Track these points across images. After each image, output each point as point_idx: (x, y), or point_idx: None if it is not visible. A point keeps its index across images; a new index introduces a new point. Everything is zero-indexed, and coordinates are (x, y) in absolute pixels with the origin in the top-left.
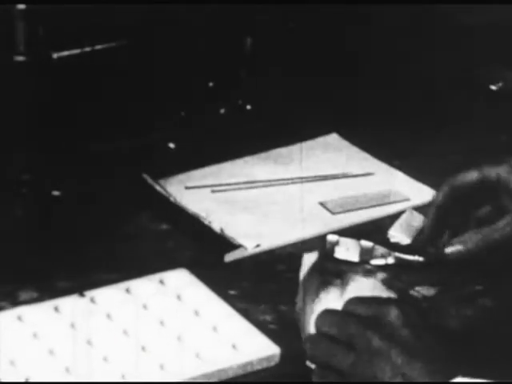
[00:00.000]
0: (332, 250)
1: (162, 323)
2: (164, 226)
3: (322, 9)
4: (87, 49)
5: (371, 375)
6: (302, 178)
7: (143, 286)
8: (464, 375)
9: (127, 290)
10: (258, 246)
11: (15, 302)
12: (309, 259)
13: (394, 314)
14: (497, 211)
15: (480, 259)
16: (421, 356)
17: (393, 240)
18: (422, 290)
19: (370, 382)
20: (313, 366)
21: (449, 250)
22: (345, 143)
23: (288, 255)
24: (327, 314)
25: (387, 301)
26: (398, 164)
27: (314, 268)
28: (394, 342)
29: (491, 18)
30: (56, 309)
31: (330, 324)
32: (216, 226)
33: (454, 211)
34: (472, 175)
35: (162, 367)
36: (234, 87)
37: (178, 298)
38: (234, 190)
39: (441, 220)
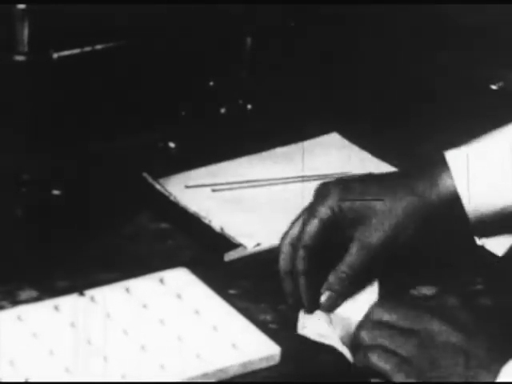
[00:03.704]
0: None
1: (161, 322)
2: (164, 225)
3: (322, 8)
4: (87, 48)
5: (433, 356)
6: (302, 177)
7: (143, 286)
8: None
9: (127, 290)
10: (258, 245)
11: (15, 302)
12: None
13: (452, 299)
14: (344, 240)
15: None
16: (480, 334)
17: None
18: (423, 290)
19: (431, 364)
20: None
21: (322, 299)
22: (345, 142)
23: None
24: (383, 301)
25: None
26: (397, 163)
27: None
28: (453, 323)
29: (491, 18)
30: (56, 308)
31: (387, 310)
32: (216, 225)
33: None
34: (311, 227)
35: (162, 367)
36: (235, 87)
37: (178, 297)
38: (235, 189)
39: (310, 281)
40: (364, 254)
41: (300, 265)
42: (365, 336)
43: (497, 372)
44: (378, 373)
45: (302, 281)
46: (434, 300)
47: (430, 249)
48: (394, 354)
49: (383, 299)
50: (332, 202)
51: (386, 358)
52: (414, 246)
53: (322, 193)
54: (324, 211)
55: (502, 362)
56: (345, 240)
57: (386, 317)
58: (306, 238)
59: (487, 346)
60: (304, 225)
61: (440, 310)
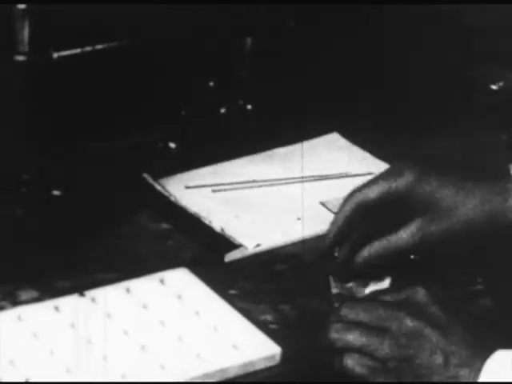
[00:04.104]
0: (332, 250)
1: (162, 323)
2: (164, 226)
3: (322, 8)
4: (88, 48)
5: (409, 356)
6: (302, 177)
7: (143, 286)
8: (505, 347)
9: (127, 290)
10: (258, 245)
11: (15, 302)
12: None
13: (421, 293)
14: (402, 220)
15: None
16: (455, 330)
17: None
18: None
19: (408, 364)
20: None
21: (357, 257)
22: (345, 143)
23: (288, 255)
24: (354, 302)
25: (412, 284)
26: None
27: None
28: (426, 320)
29: (491, 18)
30: (56, 308)
31: (358, 311)
32: (216, 226)
33: (360, 223)
34: (376, 189)
35: (162, 367)
36: (235, 87)
37: (179, 297)
38: (235, 189)
39: (344, 232)
40: (417, 239)
41: (347, 216)
42: (339, 340)
43: (479, 369)
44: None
45: (337, 231)
46: (403, 296)
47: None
48: (370, 356)
49: (354, 300)
50: (406, 181)
51: (362, 362)
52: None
53: (398, 169)
54: (395, 185)
55: (484, 357)
56: (399, 221)
57: (359, 317)
58: (367, 196)
59: (466, 341)
60: (369, 185)
61: (410, 307)
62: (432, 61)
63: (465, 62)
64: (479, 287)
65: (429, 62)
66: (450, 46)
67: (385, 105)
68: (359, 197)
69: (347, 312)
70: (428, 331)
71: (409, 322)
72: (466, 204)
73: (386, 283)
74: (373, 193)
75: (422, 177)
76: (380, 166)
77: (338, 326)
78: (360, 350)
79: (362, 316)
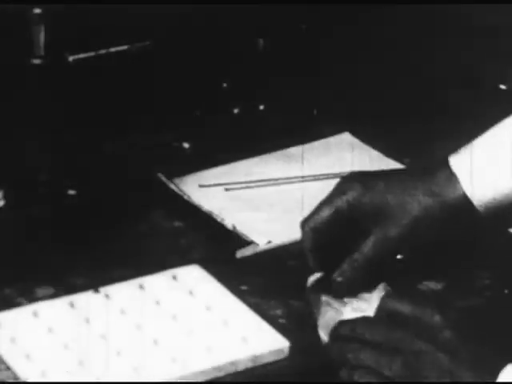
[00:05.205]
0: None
1: (174, 318)
2: (177, 224)
3: (333, 9)
4: (102, 51)
5: (417, 376)
6: (314, 176)
7: (156, 282)
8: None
9: (141, 286)
10: (269, 242)
11: (32, 299)
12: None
13: (435, 317)
14: (362, 233)
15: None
16: (465, 356)
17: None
18: (430, 285)
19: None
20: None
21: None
22: (357, 142)
23: (299, 251)
24: (368, 321)
25: (425, 303)
26: (409, 162)
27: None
28: (437, 344)
29: (501, 17)
30: (71, 305)
31: (371, 330)
32: (229, 223)
33: (327, 247)
34: (324, 212)
35: (174, 360)
36: (248, 87)
37: (191, 293)
38: (247, 188)
39: (318, 260)
40: (380, 246)
41: (306, 243)
42: (352, 359)
43: None
44: None
45: (309, 258)
46: (417, 316)
47: (452, 247)
48: (378, 374)
49: (365, 317)
50: (351, 196)
51: (369, 379)
52: (432, 244)
53: (342, 187)
54: (340, 203)
55: (489, 380)
56: (361, 234)
57: (370, 337)
58: (317, 220)
59: (471, 365)
60: (317, 210)
61: (423, 329)
62: (443, 60)
63: (474, 61)
64: (487, 282)
65: (440, 61)
66: (460, 46)
67: (396, 105)
68: (310, 224)
69: (363, 330)
70: (438, 354)
71: (420, 344)
72: (413, 199)
73: (374, 297)
74: (321, 217)
75: (367, 188)
76: (392, 165)
77: (354, 345)
78: (369, 368)
79: (377, 337)
